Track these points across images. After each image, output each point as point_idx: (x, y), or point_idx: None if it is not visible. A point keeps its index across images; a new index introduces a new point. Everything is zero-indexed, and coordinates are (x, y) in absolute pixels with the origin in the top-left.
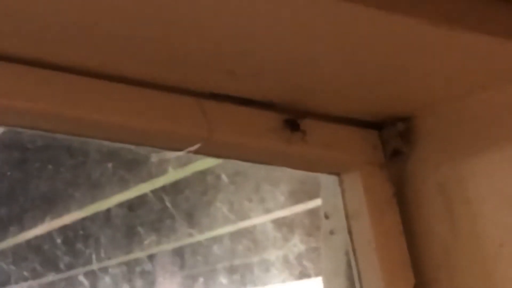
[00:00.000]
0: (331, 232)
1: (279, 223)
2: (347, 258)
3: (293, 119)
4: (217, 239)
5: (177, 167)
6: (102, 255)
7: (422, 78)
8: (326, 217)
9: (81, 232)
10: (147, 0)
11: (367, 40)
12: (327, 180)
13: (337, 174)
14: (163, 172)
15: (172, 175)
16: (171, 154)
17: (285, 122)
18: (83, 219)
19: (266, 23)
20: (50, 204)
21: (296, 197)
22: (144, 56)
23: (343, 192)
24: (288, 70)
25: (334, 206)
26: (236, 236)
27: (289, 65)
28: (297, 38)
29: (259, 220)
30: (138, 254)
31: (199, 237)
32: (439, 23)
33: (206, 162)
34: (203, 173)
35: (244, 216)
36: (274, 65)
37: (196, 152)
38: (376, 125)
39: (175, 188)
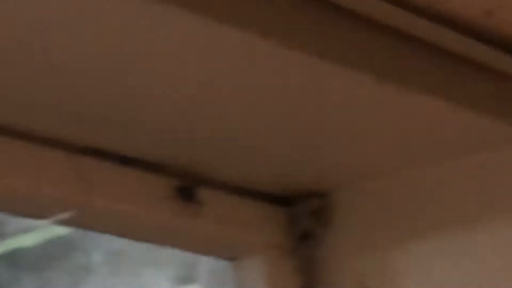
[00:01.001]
0: None
1: None
2: None
3: (187, 187)
4: None
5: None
6: None
7: (344, 148)
8: None
9: None
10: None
11: (281, 94)
12: (216, 265)
13: (233, 258)
14: (19, 242)
15: (32, 251)
16: (37, 223)
17: (178, 189)
18: None
19: (157, 64)
20: None
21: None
22: (6, 98)
23: (240, 281)
24: (187, 127)
25: None
26: None
27: (189, 121)
28: (196, 85)
29: None
30: None
31: None
32: (383, 79)
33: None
34: (69, 249)
35: None
36: (170, 120)
37: (67, 222)
38: (284, 200)
39: (35, 265)
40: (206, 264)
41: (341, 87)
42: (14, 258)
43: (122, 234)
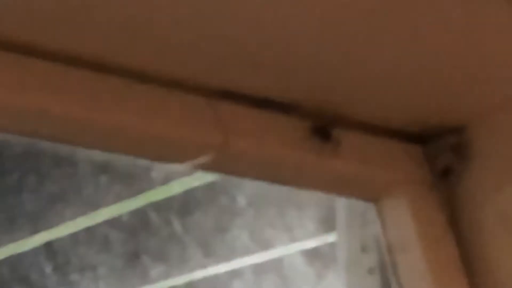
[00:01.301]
0: (371, 270)
1: (310, 255)
2: None
3: (323, 126)
4: (237, 272)
5: (184, 185)
6: None
7: (479, 80)
8: (364, 250)
9: (73, 259)
10: None
11: (413, 24)
12: (357, 206)
13: (374, 198)
14: (168, 190)
15: (179, 195)
16: (177, 168)
17: (314, 129)
18: (75, 243)
19: (299, 9)
20: (33, 222)
21: (329, 225)
22: (144, 42)
23: (383, 220)
24: (321, 65)
25: (372, 237)
26: (259, 269)
27: (323, 59)
28: (334, 28)
29: (286, 251)
30: None
31: (216, 269)
32: None
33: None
34: (214, 194)
35: (267, 246)
36: (304, 59)
37: (207, 167)
38: (420, 137)
39: (182, 209)
40: (347, 205)
41: (473, 11)
42: (163, 204)
43: (259, 177)
